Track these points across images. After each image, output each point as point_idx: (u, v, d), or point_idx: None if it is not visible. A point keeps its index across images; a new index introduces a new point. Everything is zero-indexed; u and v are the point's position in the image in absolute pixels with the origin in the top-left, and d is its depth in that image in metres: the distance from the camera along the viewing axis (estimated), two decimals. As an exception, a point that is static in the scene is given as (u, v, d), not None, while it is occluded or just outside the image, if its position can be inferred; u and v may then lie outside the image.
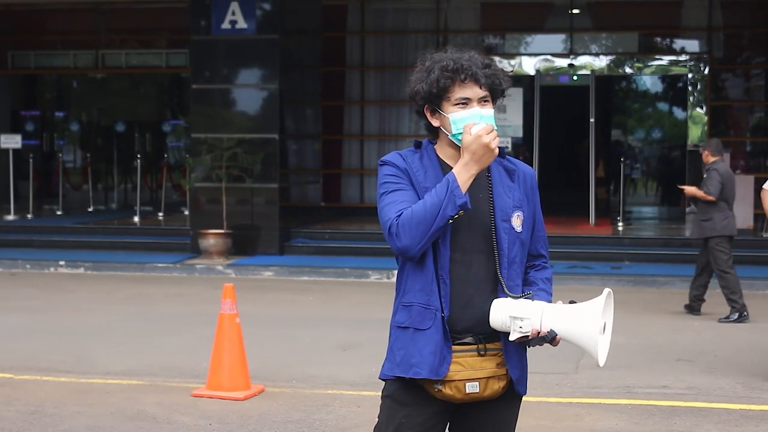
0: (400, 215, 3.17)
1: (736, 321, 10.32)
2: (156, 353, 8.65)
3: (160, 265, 14.23)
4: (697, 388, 7.48)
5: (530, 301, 3.21)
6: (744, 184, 15.81)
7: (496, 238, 3.26)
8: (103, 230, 17.16)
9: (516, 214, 3.30)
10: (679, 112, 24.40)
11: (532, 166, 17.76)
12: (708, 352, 8.79)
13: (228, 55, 15.38)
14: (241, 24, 15.15)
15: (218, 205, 14.81)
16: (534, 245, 3.42)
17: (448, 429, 3.40)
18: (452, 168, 3.22)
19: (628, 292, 12.18)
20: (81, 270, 14.14)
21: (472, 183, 3.19)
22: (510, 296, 3.22)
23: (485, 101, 3.25)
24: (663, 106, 26.72)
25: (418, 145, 3.37)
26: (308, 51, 17.33)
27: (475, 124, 3.18)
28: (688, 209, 18.17)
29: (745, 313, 10.37)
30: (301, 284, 13.03)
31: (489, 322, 3.20)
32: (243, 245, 14.98)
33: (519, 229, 3.31)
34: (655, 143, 25.04)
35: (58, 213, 19.13)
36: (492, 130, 3.16)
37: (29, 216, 18.13)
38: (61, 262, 14.28)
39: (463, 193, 3.13)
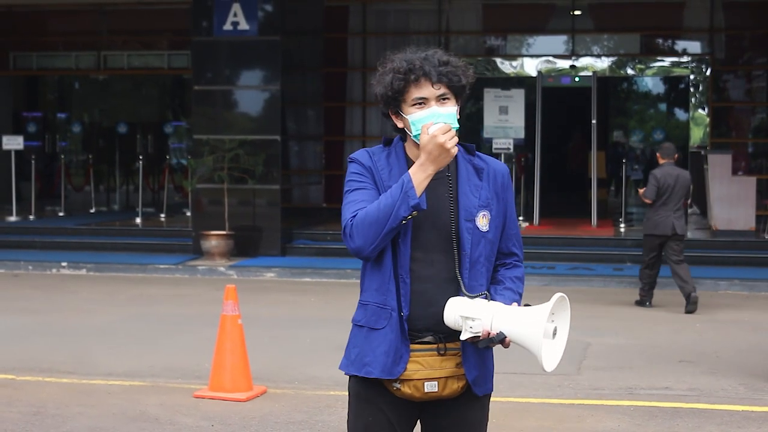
0: (354, 216, 3.16)
1: (635, 303, 11.53)
2: (158, 354, 8.66)
3: (161, 266, 14.23)
4: (699, 390, 7.48)
5: (485, 301, 3.19)
6: (746, 185, 15.82)
7: (458, 237, 3.23)
8: (105, 231, 17.16)
9: (482, 213, 3.27)
10: (680, 114, 24.41)
11: (534, 168, 17.82)
12: (710, 354, 8.79)
13: (230, 56, 15.39)
14: (243, 25, 15.16)
15: (220, 207, 14.81)
16: (505, 243, 3.38)
17: (420, 429, 3.39)
18: None
19: (630, 293, 12.17)
20: (83, 271, 14.15)
21: (435, 182, 3.18)
22: (466, 296, 3.19)
23: (444, 99, 3.21)
24: (665, 107, 26.72)
25: (388, 143, 3.35)
26: (310, 52, 17.33)
27: (433, 123, 3.15)
28: (690, 210, 18.18)
29: (648, 303, 11.46)
30: (303, 285, 13.03)
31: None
32: (245, 246, 14.99)
33: (485, 228, 3.27)
34: (657, 144, 25.03)
35: (60, 214, 19.13)
36: (449, 130, 3.12)
37: (31, 217, 18.14)
38: (63, 263, 14.28)
39: (418, 193, 3.10)
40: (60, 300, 11.78)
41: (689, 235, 16.38)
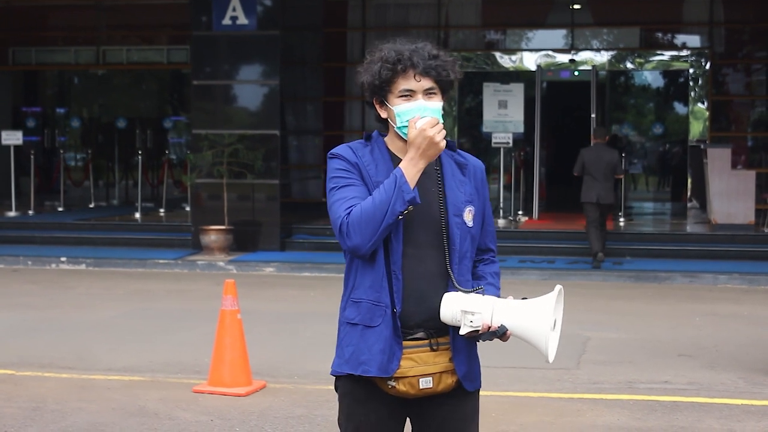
0: (349, 213, 3.13)
1: (593, 268, 13.34)
2: (157, 349, 8.66)
3: (161, 261, 14.23)
4: (698, 384, 7.48)
5: (481, 295, 3.19)
6: (745, 179, 15.82)
7: (449, 232, 3.23)
8: (105, 226, 17.16)
9: (468, 208, 3.27)
10: (680, 108, 24.37)
11: (534, 162, 17.82)
12: (709, 347, 8.79)
13: (229, 51, 15.37)
14: (242, 20, 15.14)
15: (219, 201, 14.81)
16: (483, 239, 3.39)
17: (411, 425, 3.38)
18: (401, 160, 3.19)
19: (630, 287, 12.17)
20: (82, 266, 14.15)
21: (423, 177, 3.17)
22: (461, 290, 3.19)
23: (431, 93, 3.20)
24: (664, 101, 26.69)
25: (368, 138, 3.33)
26: (309, 47, 17.32)
27: (420, 117, 3.14)
28: (689, 204, 18.18)
29: (599, 255, 13.38)
30: (303, 280, 13.03)
31: (440, 317, 3.18)
32: (244, 241, 14.99)
33: (470, 223, 3.28)
34: (657, 138, 25.01)
35: (60, 209, 19.13)
36: (437, 124, 3.12)
37: (30, 212, 18.13)
38: (63, 259, 14.28)
39: (412, 188, 3.10)
40: (59, 295, 11.78)
41: (688, 229, 16.48)
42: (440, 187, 3.26)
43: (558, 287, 3.16)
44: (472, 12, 18.65)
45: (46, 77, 24.67)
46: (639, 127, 25.81)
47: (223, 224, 14.59)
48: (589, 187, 13.69)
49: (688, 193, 18.52)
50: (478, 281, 3.34)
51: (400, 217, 3.12)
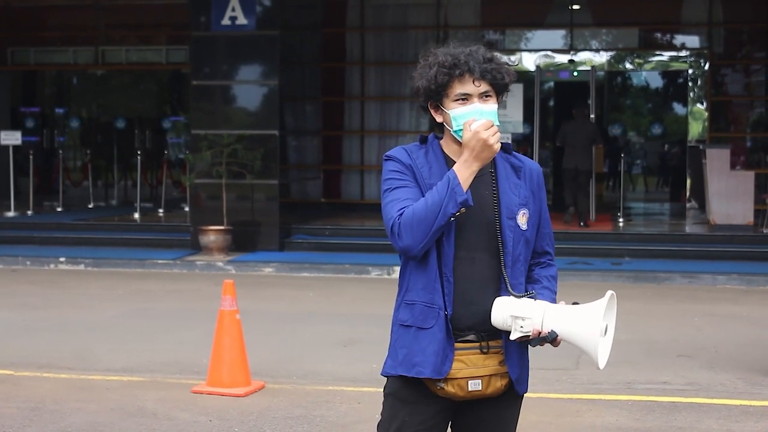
0: (401, 214, 3.14)
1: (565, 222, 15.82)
2: (156, 350, 8.65)
3: (160, 261, 14.22)
4: (697, 384, 7.48)
5: (533, 300, 3.18)
6: (744, 179, 15.81)
7: (501, 236, 3.23)
8: (103, 227, 17.15)
9: (521, 211, 3.27)
10: (679, 108, 24.40)
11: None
12: (708, 348, 8.79)
13: (228, 51, 15.37)
14: (241, 20, 15.13)
15: (218, 202, 14.81)
16: (539, 242, 3.39)
17: (451, 427, 3.38)
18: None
19: (629, 287, 12.18)
20: (81, 266, 14.14)
21: (476, 180, 3.17)
22: (513, 295, 3.19)
23: (487, 96, 3.21)
24: (663, 101, 26.72)
25: (423, 140, 3.33)
26: (308, 47, 17.31)
27: (475, 120, 3.15)
28: (688, 204, 18.19)
29: (570, 209, 16.11)
30: (302, 280, 13.03)
31: (491, 321, 3.18)
32: (243, 241, 14.98)
33: (524, 227, 3.28)
34: (656, 139, 25.04)
35: (58, 209, 19.12)
36: (491, 126, 3.12)
37: (29, 212, 18.12)
38: (61, 259, 14.27)
39: (464, 190, 3.10)
40: (58, 295, 11.77)
41: (687, 229, 16.49)
42: (494, 190, 3.25)
43: (610, 293, 3.15)
44: (471, 12, 18.64)
45: (44, 77, 24.69)
46: (638, 127, 25.85)
47: (222, 224, 14.59)
48: (569, 156, 15.85)
49: (687, 194, 18.53)
50: (533, 285, 3.33)
51: (452, 218, 3.12)
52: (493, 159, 3.24)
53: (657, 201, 22.87)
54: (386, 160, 3.30)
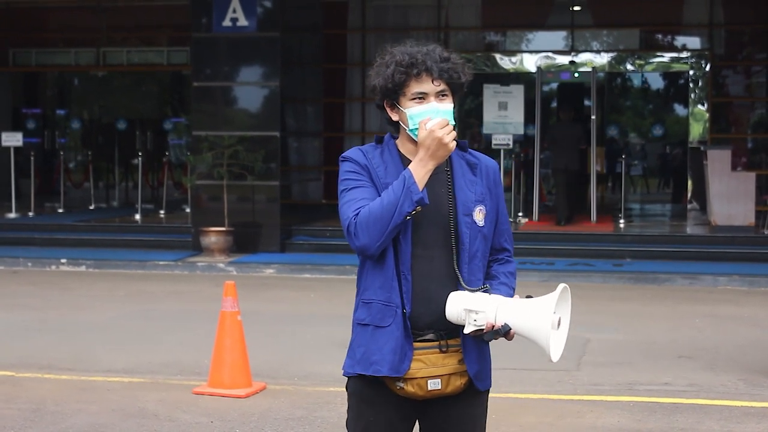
0: (357, 214, 3.15)
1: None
2: (157, 351, 8.66)
3: (161, 262, 14.23)
4: (698, 385, 7.48)
5: (486, 294, 3.20)
6: (745, 180, 15.81)
7: (457, 232, 3.24)
8: (105, 228, 17.15)
9: (478, 208, 3.28)
10: (680, 109, 24.39)
11: (533, 163, 17.81)
12: (709, 349, 8.79)
13: (229, 52, 15.37)
14: (242, 21, 15.14)
15: (219, 203, 14.81)
16: (497, 239, 3.40)
17: (419, 427, 3.38)
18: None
19: (630, 288, 12.18)
20: (82, 268, 14.14)
21: (432, 178, 3.18)
22: (467, 290, 3.20)
23: (443, 95, 3.22)
24: (664, 103, 26.71)
25: (379, 140, 3.35)
26: (309, 48, 17.32)
27: (430, 119, 3.16)
28: (689, 206, 18.18)
29: (561, 222, 16.15)
30: (303, 281, 13.03)
31: (446, 316, 3.19)
32: (244, 243, 14.98)
33: (481, 223, 3.29)
34: (657, 140, 25.03)
35: (60, 211, 19.13)
36: (446, 125, 3.14)
37: (30, 214, 18.12)
38: (63, 260, 14.28)
39: (420, 188, 3.11)
40: (59, 297, 11.78)
41: (688, 230, 16.49)
42: (450, 188, 3.27)
43: (561, 285, 3.16)
44: (472, 13, 18.65)
45: (46, 79, 24.69)
46: (639, 128, 25.83)
47: (223, 226, 14.59)
48: (558, 157, 16.48)
49: (688, 195, 18.52)
50: (491, 281, 3.34)
51: (408, 217, 3.13)
52: (449, 157, 3.26)
53: (658, 202, 22.87)
54: (342, 161, 3.31)
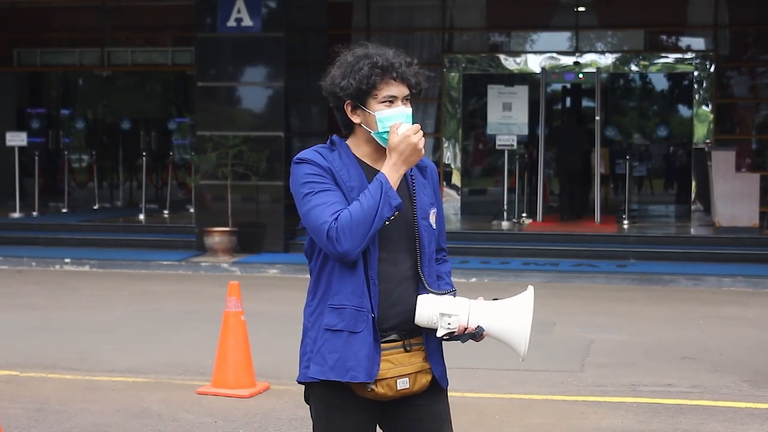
0: (337, 218, 3.12)
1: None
2: (161, 351, 8.66)
3: (165, 262, 14.24)
4: (702, 387, 7.48)
5: (453, 297, 3.22)
6: (750, 181, 15.79)
7: (419, 235, 3.26)
8: (109, 228, 17.17)
9: (432, 210, 3.33)
10: (684, 110, 24.35)
11: (538, 163, 17.80)
12: (713, 350, 8.78)
13: (233, 52, 15.39)
14: (247, 22, 15.16)
15: (223, 203, 14.82)
16: (439, 239, 3.45)
17: (381, 428, 3.38)
18: (368, 165, 3.24)
19: (634, 290, 12.17)
20: (86, 267, 14.16)
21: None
22: (432, 292, 3.22)
23: (407, 100, 3.25)
24: (669, 103, 26.68)
25: (332, 143, 3.34)
26: (314, 48, 17.31)
27: (401, 123, 3.17)
28: (693, 207, 18.17)
29: (564, 217, 16.92)
30: (306, 282, 12.93)
31: (413, 319, 3.20)
32: (248, 243, 14.99)
33: (434, 225, 3.34)
34: (661, 141, 25.00)
35: (64, 210, 19.15)
36: (419, 130, 3.16)
37: (34, 213, 18.15)
38: (67, 260, 14.29)
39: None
40: (63, 296, 11.79)
41: (692, 231, 16.50)
42: (413, 191, 3.29)
43: (531, 287, 3.21)
44: (476, 14, 18.65)
45: (50, 78, 24.71)
46: (643, 129, 25.79)
47: (227, 226, 14.60)
48: (562, 158, 17.19)
49: (693, 196, 18.50)
50: (437, 281, 3.37)
51: (386, 222, 3.14)
52: None
53: (662, 203, 22.85)
54: (299, 163, 3.28)
